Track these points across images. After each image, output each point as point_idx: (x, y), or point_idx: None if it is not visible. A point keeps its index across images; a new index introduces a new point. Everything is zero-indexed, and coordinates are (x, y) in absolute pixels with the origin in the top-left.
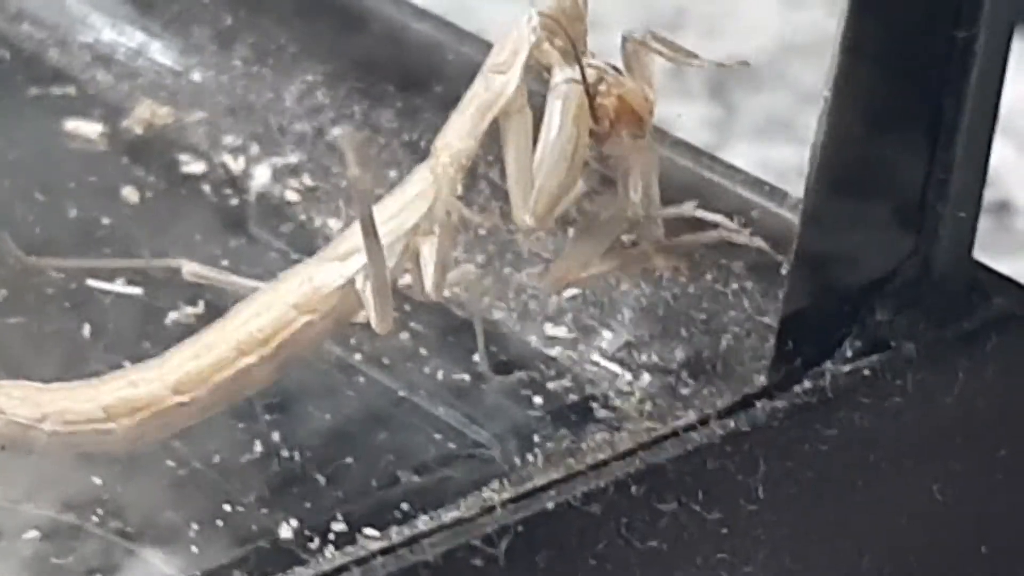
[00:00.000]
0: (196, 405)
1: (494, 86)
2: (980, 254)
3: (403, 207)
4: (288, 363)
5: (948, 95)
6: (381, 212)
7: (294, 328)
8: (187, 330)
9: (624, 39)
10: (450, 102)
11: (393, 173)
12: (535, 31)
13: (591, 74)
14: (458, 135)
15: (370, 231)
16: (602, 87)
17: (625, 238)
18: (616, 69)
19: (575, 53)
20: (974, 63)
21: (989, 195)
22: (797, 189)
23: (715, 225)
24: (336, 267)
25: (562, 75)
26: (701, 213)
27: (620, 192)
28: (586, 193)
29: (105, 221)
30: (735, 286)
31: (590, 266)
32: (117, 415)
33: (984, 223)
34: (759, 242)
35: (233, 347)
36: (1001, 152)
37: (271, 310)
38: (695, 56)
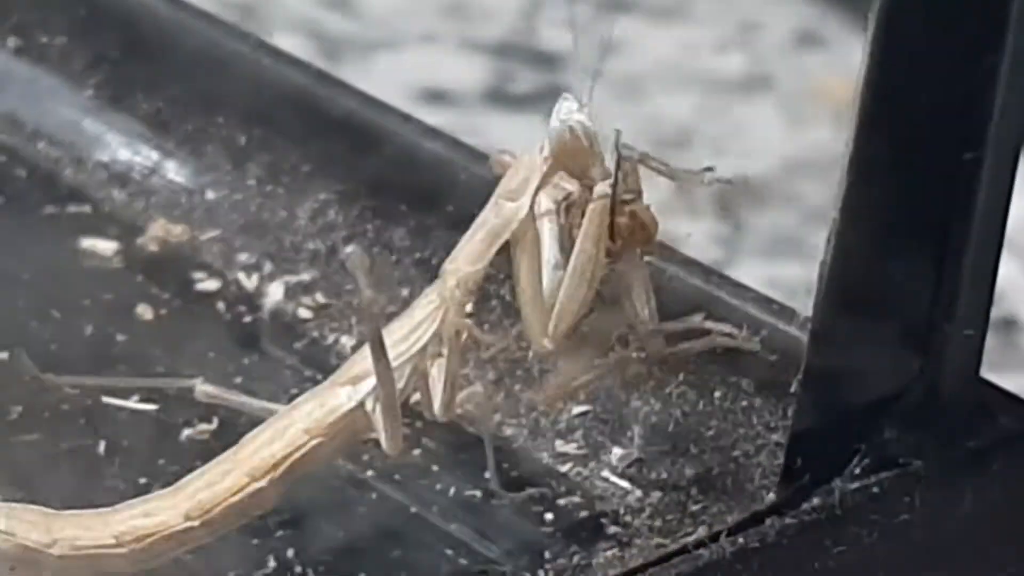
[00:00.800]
0: (206, 528)
1: (504, 212)
2: (986, 371)
3: (412, 330)
4: (296, 481)
5: (955, 216)
6: (390, 335)
7: (304, 451)
8: (201, 446)
9: (623, 151)
10: (461, 220)
11: (405, 291)
12: (547, 160)
13: (606, 191)
14: (467, 260)
15: (379, 353)
16: (620, 207)
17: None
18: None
19: (597, 172)
20: (980, 184)
21: (995, 312)
22: (805, 307)
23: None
24: (347, 391)
25: (581, 195)
26: (710, 324)
27: (627, 309)
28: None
29: (120, 338)
30: (744, 403)
31: (581, 377)
32: (128, 542)
33: (990, 340)
34: (754, 344)
35: (246, 473)
36: (1007, 269)
37: (283, 436)
38: (695, 172)
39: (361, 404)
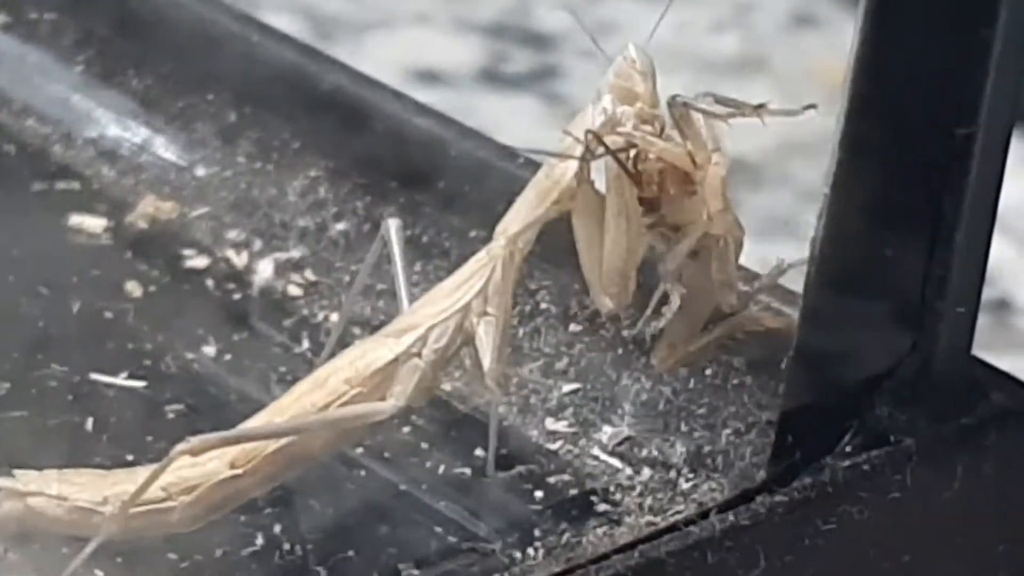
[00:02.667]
0: (252, 478)
1: (554, 172)
2: (979, 352)
3: (458, 287)
4: (342, 438)
5: (947, 193)
6: (438, 291)
7: (344, 400)
8: (188, 423)
9: (669, 104)
10: (452, 197)
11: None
12: (605, 111)
13: (619, 142)
14: (516, 220)
15: None
16: (639, 153)
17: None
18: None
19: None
20: (973, 161)
21: (988, 293)
22: (797, 285)
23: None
24: (390, 343)
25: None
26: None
27: (712, 272)
28: (674, 281)
29: (108, 315)
30: (735, 381)
31: (695, 339)
32: (176, 493)
33: (983, 321)
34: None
35: (286, 420)
36: (1000, 250)
37: (325, 385)
38: (755, 107)
39: (399, 358)
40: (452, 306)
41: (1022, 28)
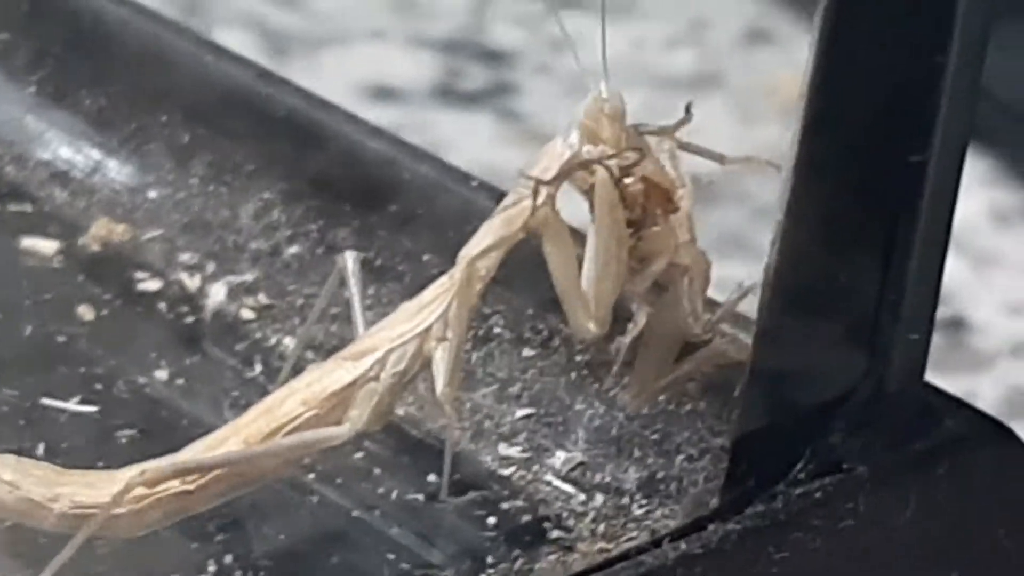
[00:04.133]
0: (201, 495)
1: (521, 199)
2: (933, 372)
3: (418, 310)
4: (295, 461)
5: (901, 219)
6: (399, 314)
7: (299, 423)
8: (140, 447)
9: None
10: (406, 220)
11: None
12: (572, 147)
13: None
14: (480, 245)
15: None
16: (628, 173)
17: None
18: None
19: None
20: (926, 188)
21: (942, 312)
22: (751, 306)
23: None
24: (348, 366)
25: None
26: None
27: (681, 305)
28: (641, 301)
29: (60, 339)
30: (689, 406)
31: (666, 374)
32: (125, 502)
33: (937, 340)
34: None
35: (242, 440)
36: (954, 269)
37: (281, 406)
38: (711, 152)
39: (355, 381)
40: (412, 330)
41: (975, 54)
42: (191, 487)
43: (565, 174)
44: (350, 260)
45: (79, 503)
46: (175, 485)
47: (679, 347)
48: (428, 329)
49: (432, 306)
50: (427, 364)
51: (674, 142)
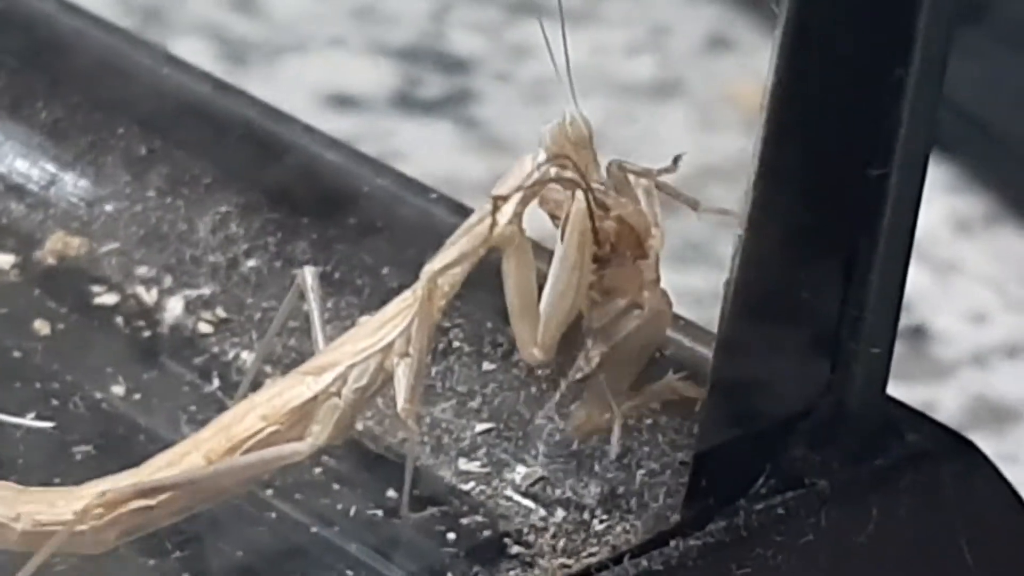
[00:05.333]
0: (163, 510)
1: (484, 221)
2: (895, 381)
3: (380, 326)
4: (256, 476)
5: (862, 233)
6: (360, 329)
7: (260, 438)
8: (97, 463)
9: (607, 169)
10: (364, 233)
11: (306, 306)
12: (539, 168)
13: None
14: (443, 261)
15: None
16: (602, 210)
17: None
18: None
19: (583, 181)
20: (887, 200)
21: (905, 321)
22: (713, 314)
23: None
24: (309, 380)
25: (571, 206)
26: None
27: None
28: (595, 341)
29: (16, 354)
30: (649, 421)
31: (615, 406)
32: (88, 519)
33: (899, 349)
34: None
35: (203, 455)
36: (916, 278)
37: (242, 421)
38: (687, 197)
39: (316, 396)
40: (374, 345)
41: (936, 66)
42: (152, 503)
43: (530, 193)
44: (309, 275)
45: (41, 521)
46: (136, 502)
47: (629, 382)
48: (390, 344)
49: (394, 321)
50: (389, 379)
51: (653, 182)
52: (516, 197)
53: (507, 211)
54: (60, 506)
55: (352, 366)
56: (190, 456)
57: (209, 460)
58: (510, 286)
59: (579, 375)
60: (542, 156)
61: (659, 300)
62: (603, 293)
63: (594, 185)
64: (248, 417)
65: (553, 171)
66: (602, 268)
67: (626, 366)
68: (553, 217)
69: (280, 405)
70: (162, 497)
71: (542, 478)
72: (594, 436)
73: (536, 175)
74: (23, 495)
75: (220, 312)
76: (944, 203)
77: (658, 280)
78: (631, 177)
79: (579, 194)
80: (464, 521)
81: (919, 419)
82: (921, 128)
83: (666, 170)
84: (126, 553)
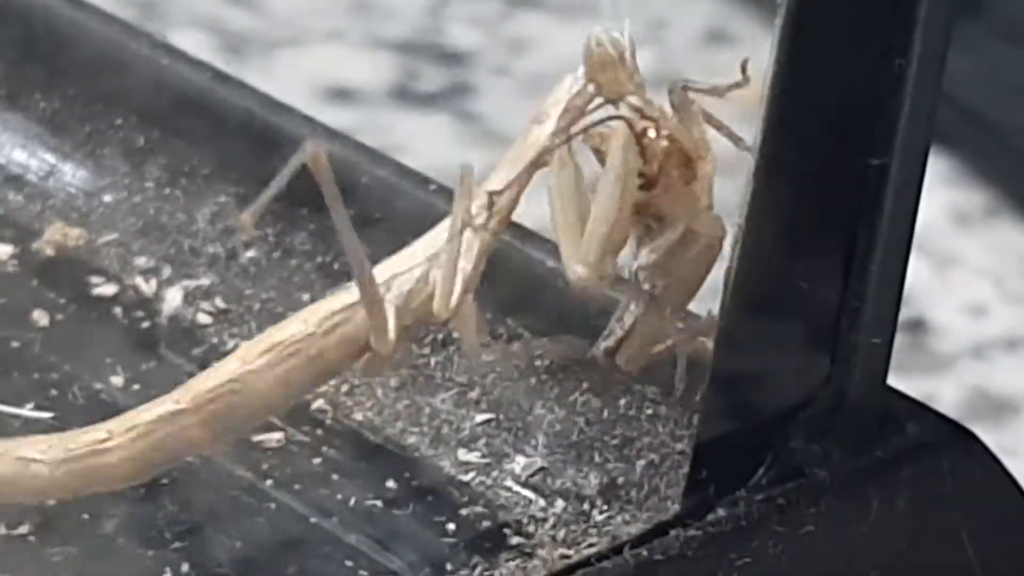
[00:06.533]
0: (194, 415)
1: (531, 136)
2: (894, 373)
3: (430, 242)
4: (290, 382)
5: (862, 224)
6: (407, 249)
7: (295, 338)
8: None
9: (670, 90)
10: (363, 223)
11: (306, 296)
12: (578, 81)
13: (634, 112)
14: (494, 182)
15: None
16: (649, 126)
17: None
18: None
19: (634, 93)
20: (888, 191)
21: (904, 313)
22: (713, 306)
23: None
24: (352, 287)
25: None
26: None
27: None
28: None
29: (14, 344)
30: (650, 411)
31: (661, 339)
32: (117, 433)
33: (899, 341)
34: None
35: (239, 359)
36: (915, 270)
37: (281, 330)
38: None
39: (357, 302)
40: (420, 254)
41: (936, 58)
42: (184, 405)
43: (573, 111)
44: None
45: (71, 447)
46: (168, 406)
47: (682, 310)
48: (436, 255)
49: (443, 236)
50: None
51: (700, 108)
52: (557, 112)
53: (549, 125)
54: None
55: (396, 275)
56: (227, 365)
57: (244, 361)
58: (555, 204)
59: (607, 343)
60: (581, 72)
61: (713, 226)
62: (656, 219)
63: (635, 101)
64: (286, 326)
65: (590, 88)
66: (651, 188)
67: (681, 296)
68: (598, 152)
69: (321, 310)
70: (191, 401)
71: (542, 468)
72: (644, 362)
73: (576, 91)
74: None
75: (219, 302)
76: (943, 196)
77: (711, 206)
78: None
79: (621, 120)
80: (464, 512)
81: (919, 409)
82: (921, 120)
83: (737, 85)
84: (124, 544)
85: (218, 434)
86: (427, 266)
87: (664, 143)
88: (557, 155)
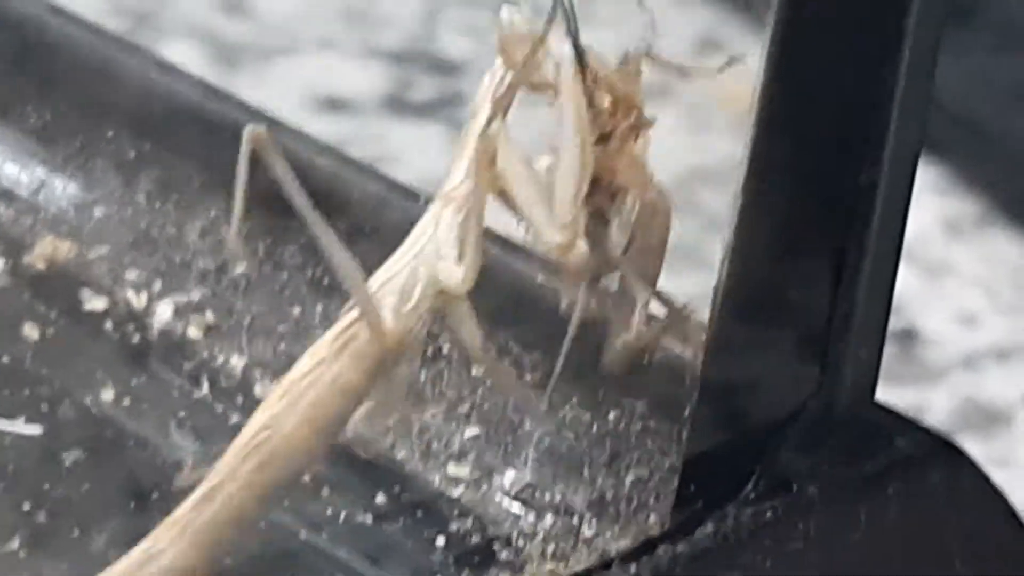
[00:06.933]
0: (233, 483)
1: (469, 133)
2: (885, 384)
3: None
4: (318, 418)
5: (852, 233)
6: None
7: (308, 371)
8: (86, 469)
9: (626, 57)
10: (353, 237)
11: (296, 310)
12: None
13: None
14: (451, 182)
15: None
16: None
17: None
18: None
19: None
20: (877, 202)
21: (894, 323)
22: (702, 316)
23: None
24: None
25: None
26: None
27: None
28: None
29: (5, 359)
30: (639, 425)
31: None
32: (163, 538)
33: (888, 351)
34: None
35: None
36: (906, 280)
37: (293, 371)
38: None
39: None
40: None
41: (925, 68)
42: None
43: (502, 101)
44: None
45: None
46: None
47: (654, 281)
48: (421, 251)
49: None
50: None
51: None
52: (486, 110)
53: (484, 106)
54: None
55: (391, 278)
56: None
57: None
58: (511, 182)
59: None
60: (499, 63)
61: (664, 195)
62: (610, 196)
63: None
64: (301, 362)
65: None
66: (605, 142)
67: (648, 268)
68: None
69: (325, 338)
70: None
71: (531, 483)
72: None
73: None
74: None
75: (210, 317)
76: (934, 205)
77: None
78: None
79: (566, 66)
80: (453, 526)
81: (907, 424)
82: (911, 129)
83: (705, 72)
84: (116, 559)
85: (264, 494)
86: (415, 263)
87: (606, 94)
88: (499, 139)
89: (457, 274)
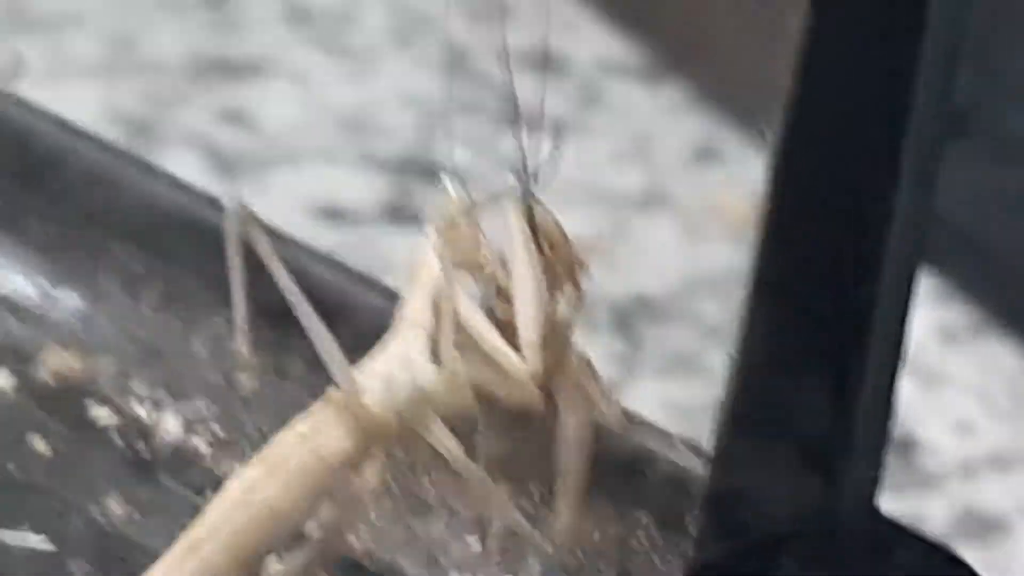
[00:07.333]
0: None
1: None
2: (885, 492)
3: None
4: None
5: (851, 350)
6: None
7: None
8: None
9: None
10: (356, 347)
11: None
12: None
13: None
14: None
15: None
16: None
17: None
18: None
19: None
20: (876, 319)
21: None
22: (701, 426)
23: None
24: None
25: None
26: None
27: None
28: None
29: (13, 472)
30: (644, 540)
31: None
32: None
33: (888, 460)
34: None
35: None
36: (905, 389)
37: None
38: None
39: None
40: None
41: (926, 181)
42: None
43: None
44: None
45: None
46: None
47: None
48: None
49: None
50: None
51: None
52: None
53: (419, 300)
54: None
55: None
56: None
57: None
58: (477, 337)
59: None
60: (433, 239)
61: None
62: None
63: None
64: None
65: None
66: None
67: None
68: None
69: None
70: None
71: None
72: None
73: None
74: None
75: (216, 429)
76: (930, 314)
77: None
78: None
79: (513, 217)
80: None
81: (908, 537)
82: (910, 241)
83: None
84: None
85: (240, 557)
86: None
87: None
88: (447, 306)
89: (432, 377)
